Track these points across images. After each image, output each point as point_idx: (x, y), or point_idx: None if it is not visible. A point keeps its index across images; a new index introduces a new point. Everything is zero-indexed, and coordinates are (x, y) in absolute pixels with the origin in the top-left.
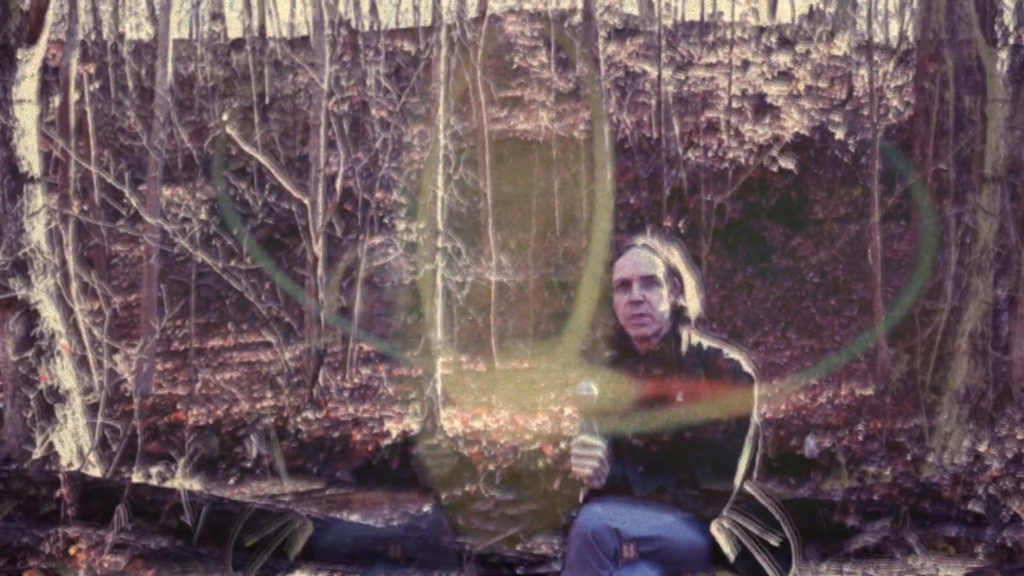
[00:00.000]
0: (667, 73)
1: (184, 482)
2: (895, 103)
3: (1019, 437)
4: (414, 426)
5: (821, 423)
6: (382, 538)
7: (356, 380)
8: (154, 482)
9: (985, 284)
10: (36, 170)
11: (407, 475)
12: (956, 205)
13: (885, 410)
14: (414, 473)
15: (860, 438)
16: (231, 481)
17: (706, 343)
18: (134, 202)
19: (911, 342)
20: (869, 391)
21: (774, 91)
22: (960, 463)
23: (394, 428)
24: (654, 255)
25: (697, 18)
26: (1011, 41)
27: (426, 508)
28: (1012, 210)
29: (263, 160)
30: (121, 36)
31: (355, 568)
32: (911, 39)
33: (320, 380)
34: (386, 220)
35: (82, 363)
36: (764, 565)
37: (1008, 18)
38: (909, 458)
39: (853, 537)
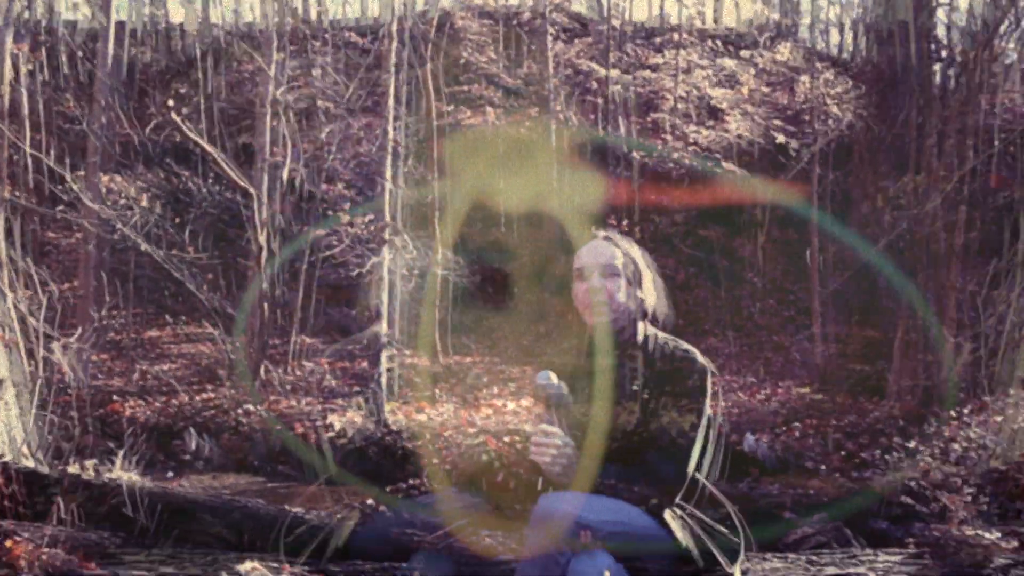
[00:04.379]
0: (614, 73)
1: (123, 475)
2: (835, 110)
3: (946, 434)
4: (357, 419)
5: (760, 420)
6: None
7: (298, 373)
8: (91, 474)
9: None
10: None
11: (350, 468)
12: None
13: (821, 407)
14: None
15: (797, 435)
16: (169, 474)
17: (661, 336)
18: (75, 187)
19: (975, 330)
20: (806, 389)
21: (719, 94)
22: (893, 459)
23: (337, 421)
24: (614, 247)
25: (645, 19)
26: (943, 55)
27: (369, 501)
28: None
29: (208, 148)
30: (57, 16)
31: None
32: (851, 49)
33: (262, 373)
34: (331, 212)
35: (16, 352)
36: (715, 553)
37: (941, 32)
38: (844, 454)
39: (792, 529)
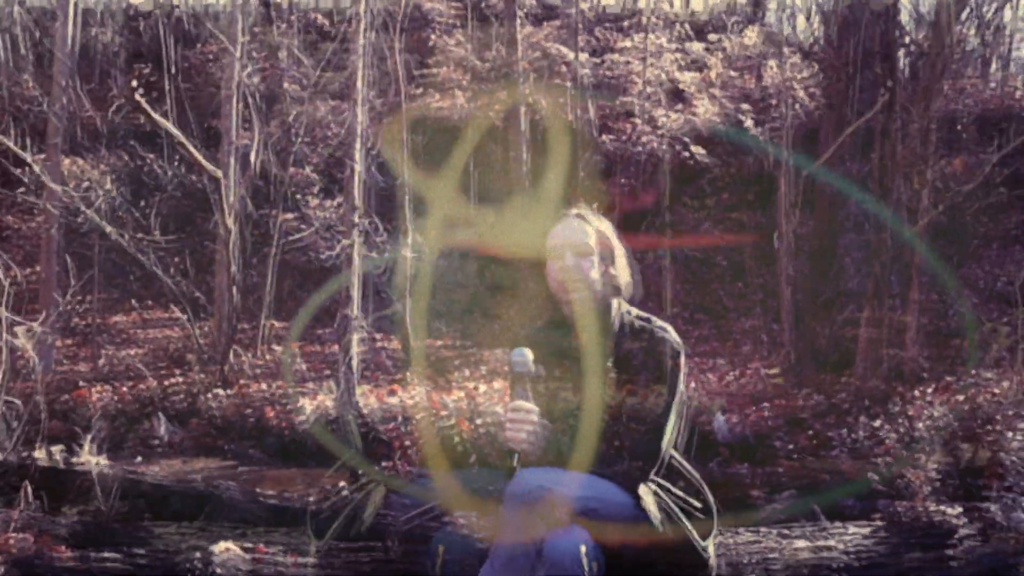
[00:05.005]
0: (583, 57)
1: (91, 460)
2: (802, 94)
3: (910, 413)
4: (328, 403)
5: (728, 401)
6: None
7: (268, 357)
8: (58, 460)
9: None
10: None
11: (322, 451)
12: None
13: (788, 389)
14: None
15: (765, 415)
16: (138, 459)
17: (635, 312)
18: (36, 168)
19: (1012, 315)
20: (774, 370)
21: (687, 79)
22: (859, 438)
23: (308, 405)
24: (587, 224)
25: (613, 3)
26: (907, 40)
27: (341, 484)
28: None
29: (174, 131)
30: None
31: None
32: (816, 33)
33: (231, 357)
34: (299, 196)
35: None
36: (687, 528)
37: (905, 19)
38: (811, 433)
39: (763, 506)
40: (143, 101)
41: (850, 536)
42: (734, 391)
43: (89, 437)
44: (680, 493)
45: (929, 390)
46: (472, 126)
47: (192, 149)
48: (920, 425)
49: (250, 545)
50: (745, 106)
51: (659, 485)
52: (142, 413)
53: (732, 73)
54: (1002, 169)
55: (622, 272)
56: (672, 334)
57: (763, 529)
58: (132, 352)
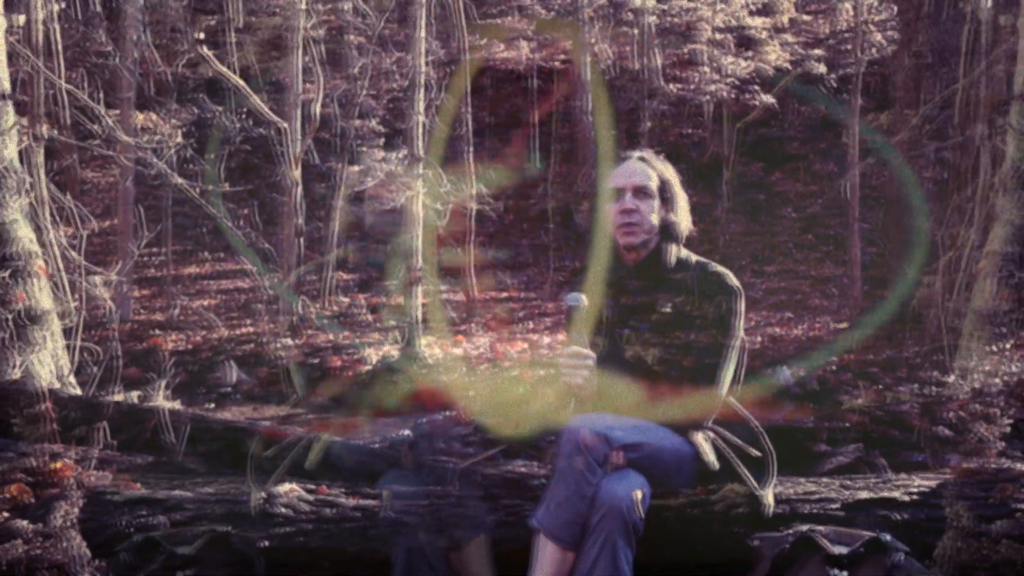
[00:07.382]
0: (650, 3)
1: (164, 404)
2: (878, 37)
3: (986, 368)
4: (394, 353)
5: (795, 354)
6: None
7: (335, 308)
8: (134, 402)
9: (1012, 204)
10: (6, 85)
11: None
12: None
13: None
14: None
15: (833, 368)
16: (211, 405)
17: (693, 257)
18: (110, 121)
19: (933, 266)
20: (843, 324)
21: (758, 23)
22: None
23: (373, 354)
24: (649, 167)
25: None
26: None
27: (406, 431)
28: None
29: (239, 83)
30: None
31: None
32: None
33: (299, 307)
34: (364, 148)
35: (58, 287)
36: (744, 475)
37: None
38: (880, 387)
39: (827, 459)
40: (210, 54)
41: (916, 487)
42: (803, 344)
43: (163, 383)
44: (736, 440)
45: (1007, 345)
46: (536, 75)
47: (257, 101)
48: (996, 380)
49: (312, 486)
50: (817, 51)
51: (716, 430)
52: (213, 361)
53: (805, 17)
54: None
55: (683, 218)
56: (731, 278)
57: (825, 479)
58: (204, 302)
